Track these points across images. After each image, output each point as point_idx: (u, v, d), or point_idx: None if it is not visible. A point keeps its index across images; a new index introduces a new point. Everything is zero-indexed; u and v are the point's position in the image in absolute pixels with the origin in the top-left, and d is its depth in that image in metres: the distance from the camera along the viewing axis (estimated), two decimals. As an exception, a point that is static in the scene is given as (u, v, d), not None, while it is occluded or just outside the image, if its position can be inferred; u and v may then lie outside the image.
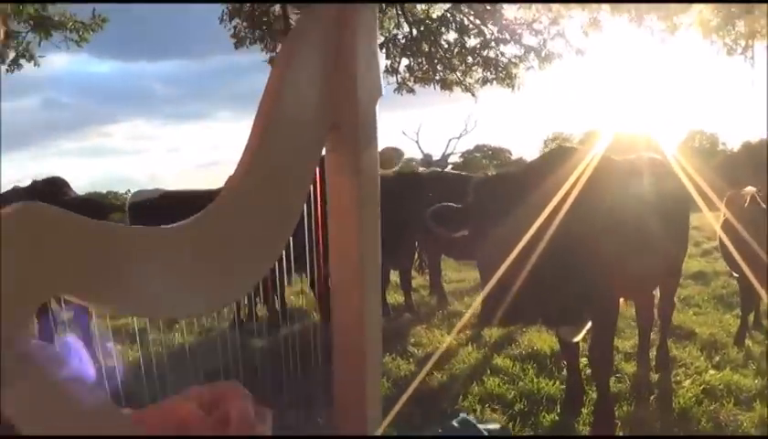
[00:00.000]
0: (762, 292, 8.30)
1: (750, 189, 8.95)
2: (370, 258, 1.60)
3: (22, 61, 16.50)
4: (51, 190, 10.18)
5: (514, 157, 66.50)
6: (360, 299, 1.59)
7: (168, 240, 1.23)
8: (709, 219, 7.81)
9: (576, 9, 17.04)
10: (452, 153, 52.71)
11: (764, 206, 8.21)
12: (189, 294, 1.27)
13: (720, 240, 8.76)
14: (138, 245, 1.16)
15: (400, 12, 18.42)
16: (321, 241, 1.75)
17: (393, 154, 10.53)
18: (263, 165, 1.37)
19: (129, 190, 17.30)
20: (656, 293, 8.12)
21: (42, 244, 0.99)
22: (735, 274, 9.35)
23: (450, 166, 47.93)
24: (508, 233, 5.11)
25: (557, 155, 6.23)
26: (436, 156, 49.27)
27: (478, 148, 68.46)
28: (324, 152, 1.54)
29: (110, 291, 1.11)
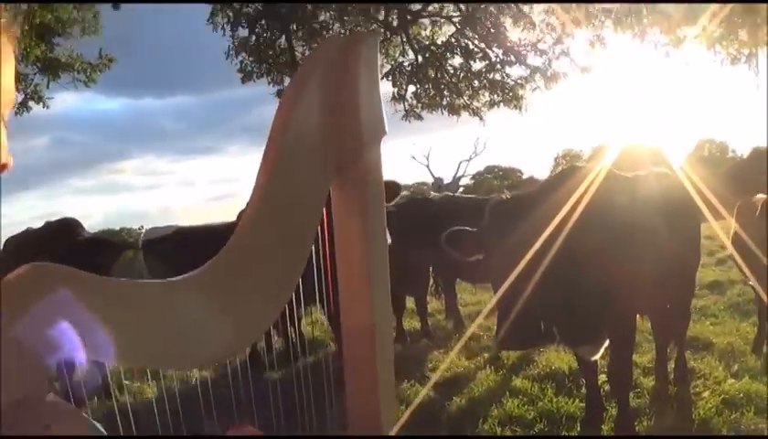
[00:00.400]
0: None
1: (761, 197, 8.94)
2: (380, 297, 1.61)
3: (30, 103, 16.57)
4: (64, 231, 10.25)
5: (525, 176, 66.37)
6: (371, 344, 1.61)
7: (182, 292, 1.25)
8: (716, 229, 7.78)
9: (580, 28, 17.06)
10: (462, 175, 52.76)
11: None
12: (207, 341, 1.29)
13: (734, 248, 8.73)
14: (150, 299, 1.18)
15: (404, 39, 18.49)
16: (330, 275, 1.76)
17: (393, 187, 10.57)
18: (271, 210, 1.40)
19: (142, 226, 17.32)
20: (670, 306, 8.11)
21: (52, 306, 1.01)
22: (750, 283, 9.33)
23: (461, 189, 47.92)
24: (523, 255, 5.14)
25: (568, 175, 6.24)
26: (447, 180, 49.27)
27: (489, 169, 68.37)
28: (330, 192, 1.57)
29: (125, 347, 1.13)
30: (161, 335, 1.20)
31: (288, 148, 1.40)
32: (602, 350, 6.66)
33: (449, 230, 6.19)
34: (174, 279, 1.27)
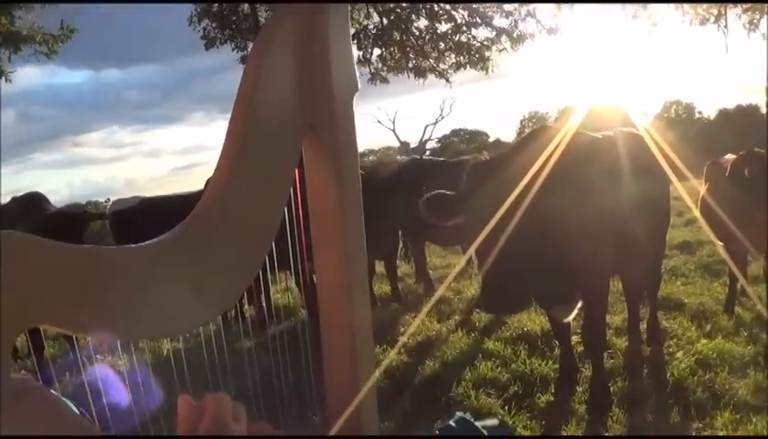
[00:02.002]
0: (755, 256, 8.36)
1: (730, 157, 8.96)
2: (356, 256, 1.57)
3: (-7, 78, 16.36)
4: (29, 206, 10.16)
5: (491, 139, 66.61)
6: (348, 300, 1.57)
7: (151, 257, 1.20)
8: (681, 192, 7.82)
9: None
10: (429, 139, 52.93)
11: (746, 173, 8.19)
12: (177, 311, 1.24)
13: (703, 209, 8.74)
14: (119, 268, 1.14)
15: (369, 2, 18.40)
16: (303, 239, 1.71)
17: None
18: (243, 169, 1.35)
19: (108, 199, 17.25)
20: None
21: (20, 274, 0.96)
22: (720, 243, 9.35)
23: (428, 152, 48.05)
24: (496, 218, 5.11)
25: (539, 135, 6.20)
26: (413, 143, 49.36)
27: (455, 133, 68.65)
28: (302, 150, 1.51)
29: (92, 318, 1.08)
30: (130, 305, 1.14)
31: (258, 108, 1.36)
32: (575, 311, 6.64)
33: (427, 195, 6.14)
34: (141, 246, 1.21)
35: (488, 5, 18.44)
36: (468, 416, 2.11)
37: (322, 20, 1.43)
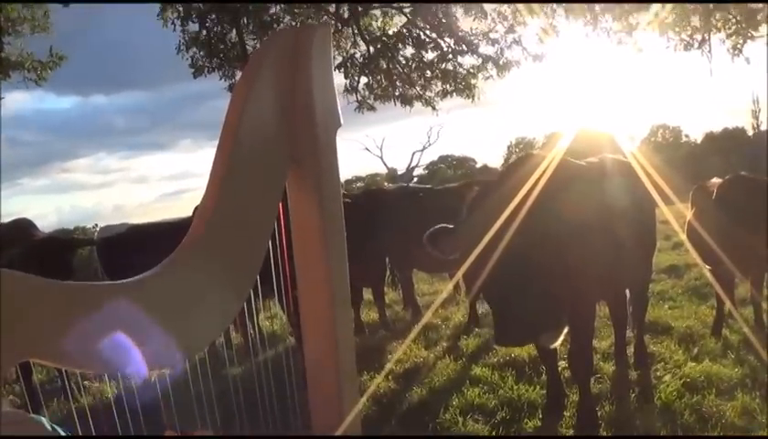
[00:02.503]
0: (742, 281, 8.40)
1: (716, 181, 9.01)
2: (338, 281, 1.60)
3: (-19, 103, 16.41)
4: (17, 232, 10.16)
5: (479, 165, 66.67)
6: (331, 320, 1.60)
7: (140, 293, 1.23)
8: (667, 215, 7.82)
9: (531, 16, 17.11)
10: (416, 165, 52.99)
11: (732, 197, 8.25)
12: (167, 342, 1.26)
13: (690, 233, 8.78)
14: (106, 304, 1.16)
15: (356, 31, 18.47)
16: (287, 267, 1.73)
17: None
18: (228, 205, 1.37)
19: (96, 225, 17.26)
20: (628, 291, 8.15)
21: (8, 312, 0.99)
22: (707, 266, 9.38)
23: (415, 179, 48.10)
24: (482, 245, 5.16)
25: (525, 164, 6.24)
26: (401, 170, 49.43)
27: (442, 159, 68.64)
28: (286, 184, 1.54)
29: (78, 353, 1.11)
30: (117, 338, 1.17)
31: (243, 141, 1.40)
32: (561, 337, 6.66)
33: (430, 230, 6.16)
34: (131, 280, 1.24)
35: (474, 34, 18.52)
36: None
37: (304, 53, 1.46)
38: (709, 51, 16.63)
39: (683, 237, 9.31)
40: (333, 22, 17.80)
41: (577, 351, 6.74)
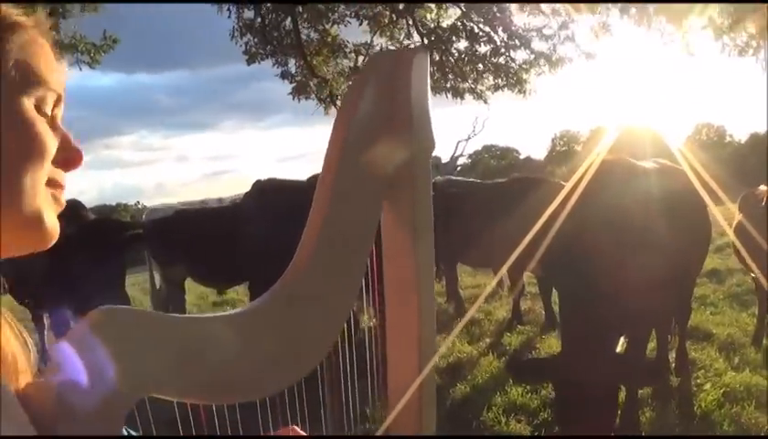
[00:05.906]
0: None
1: (764, 188, 9.01)
2: (426, 318, 1.63)
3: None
4: (68, 214, 10.30)
5: (522, 157, 66.32)
6: (415, 355, 1.63)
7: (244, 325, 1.28)
8: (717, 216, 7.83)
9: (586, 13, 17.03)
10: (460, 155, 52.63)
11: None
12: (267, 374, 1.32)
13: (738, 239, 8.78)
14: (212, 335, 1.22)
15: (410, 22, 18.42)
16: (377, 294, 1.78)
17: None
18: (330, 238, 1.41)
19: (138, 201, 17.36)
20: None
21: (125, 348, 1.06)
22: (752, 274, 9.37)
23: (458, 168, 47.90)
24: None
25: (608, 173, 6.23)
26: (445, 159, 49.17)
27: (486, 149, 68.33)
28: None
29: (193, 385, 1.18)
30: (224, 372, 1.23)
31: (346, 170, 1.41)
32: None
33: (517, 363, 6.29)
34: (237, 313, 1.28)
35: (527, 29, 18.45)
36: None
37: (404, 78, 1.49)
38: (765, 60, 16.45)
39: (732, 237, 9.30)
40: (387, 13, 17.76)
41: (633, 357, 6.69)
